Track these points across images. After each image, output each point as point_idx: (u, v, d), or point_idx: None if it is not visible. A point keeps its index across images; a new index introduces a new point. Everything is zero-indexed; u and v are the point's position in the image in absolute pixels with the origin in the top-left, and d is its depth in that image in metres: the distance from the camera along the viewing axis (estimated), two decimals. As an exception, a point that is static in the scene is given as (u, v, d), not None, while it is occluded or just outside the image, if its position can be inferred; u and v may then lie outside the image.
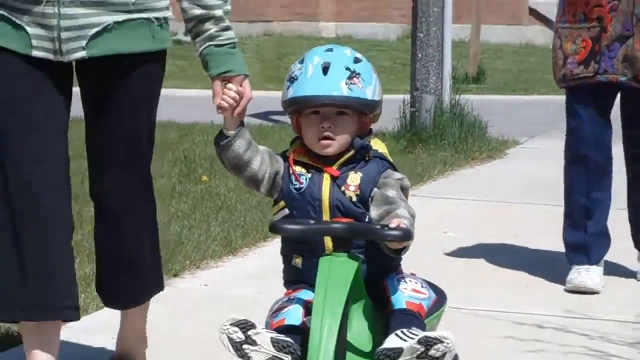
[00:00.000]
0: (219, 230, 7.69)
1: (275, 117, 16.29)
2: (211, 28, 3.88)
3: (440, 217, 9.18)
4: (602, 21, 6.21)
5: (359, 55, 3.82)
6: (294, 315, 3.68)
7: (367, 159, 3.80)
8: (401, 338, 3.54)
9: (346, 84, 3.65)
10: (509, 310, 6.30)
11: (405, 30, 19.60)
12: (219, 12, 3.88)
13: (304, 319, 3.66)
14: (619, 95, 6.44)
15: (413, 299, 3.75)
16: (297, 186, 3.80)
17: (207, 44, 3.82)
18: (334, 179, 3.75)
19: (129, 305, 4.26)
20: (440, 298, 4.12)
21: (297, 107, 3.76)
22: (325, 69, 3.69)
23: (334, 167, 3.76)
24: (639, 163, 6.54)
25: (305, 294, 3.76)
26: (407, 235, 3.46)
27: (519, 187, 10.26)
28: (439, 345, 3.42)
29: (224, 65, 3.85)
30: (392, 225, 3.46)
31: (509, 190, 10.19)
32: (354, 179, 3.72)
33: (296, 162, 3.81)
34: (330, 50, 3.84)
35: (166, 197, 8.88)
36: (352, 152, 3.74)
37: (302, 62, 3.81)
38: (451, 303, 5.33)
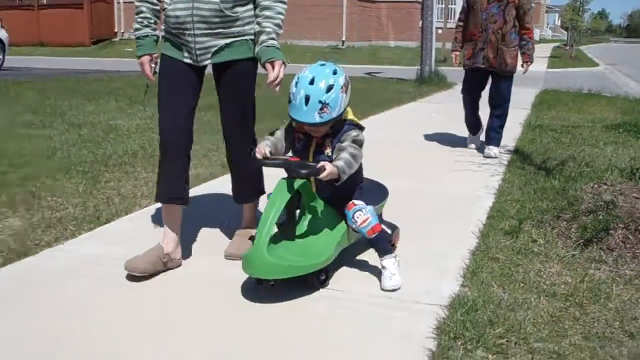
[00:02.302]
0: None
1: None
2: (263, 38, 3.23)
3: (431, 109, 9.91)
4: (475, 42, 6.12)
5: (332, 81, 3.01)
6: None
7: (339, 127, 3.12)
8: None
9: (318, 114, 2.96)
10: (453, 141, 6.98)
11: (418, 44, 18.38)
12: (268, 29, 3.23)
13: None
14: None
15: (368, 228, 3.07)
16: (296, 146, 3.21)
17: (260, 46, 3.23)
18: (317, 144, 3.13)
19: (244, 202, 3.65)
20: (382, 195, 3.69)
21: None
22: (307, 100, 2.96)
23: (320, 138, 3.12)
24: (492, 102, 6.43)
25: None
26: (312, 174, 2.95)
27: (457, 97, 9.03)
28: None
29: (269, 55, 3.21)
30: (318, 166, 2.92)
31: (454, 98, 9.55)
32: (328, 143, 3.10)
33: (298, 131, 3.18)
34: (312, 82, 3.00)
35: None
36: (329, 131, 3.09)
37: (296, 85, 3.04)
38: (427, 138, 7.14)
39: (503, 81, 6.25)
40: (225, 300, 2.95)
